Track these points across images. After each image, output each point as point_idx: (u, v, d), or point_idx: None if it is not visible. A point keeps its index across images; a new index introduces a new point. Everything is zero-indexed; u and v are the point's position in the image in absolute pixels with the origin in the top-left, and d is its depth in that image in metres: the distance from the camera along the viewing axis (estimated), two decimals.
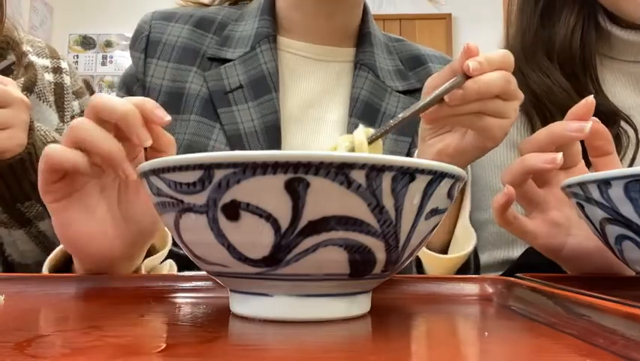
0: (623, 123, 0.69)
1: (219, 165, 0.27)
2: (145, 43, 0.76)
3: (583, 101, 0.47)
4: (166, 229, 0.51)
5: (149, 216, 0.46)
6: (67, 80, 0.84)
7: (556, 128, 0.47)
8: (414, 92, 0.76)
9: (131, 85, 0.75)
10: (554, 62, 0.73)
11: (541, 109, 0.72)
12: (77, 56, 4.65)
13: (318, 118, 0.74)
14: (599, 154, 0.47)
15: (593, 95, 0.47)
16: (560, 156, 0.44)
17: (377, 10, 0.71)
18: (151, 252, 0.53)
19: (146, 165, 0.31)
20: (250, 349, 0.27)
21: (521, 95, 0.51)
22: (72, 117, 0.83)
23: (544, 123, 0.70)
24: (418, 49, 0.84)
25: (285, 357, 0.26)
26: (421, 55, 0.82)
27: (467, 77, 0.47)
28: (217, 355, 0.26)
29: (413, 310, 0.40)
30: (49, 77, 0.83)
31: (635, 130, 0.69)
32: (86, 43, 4.65)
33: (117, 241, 0.45)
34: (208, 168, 0.28)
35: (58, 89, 0.83)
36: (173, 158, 0.29)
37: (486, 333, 0.32)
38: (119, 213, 0.46)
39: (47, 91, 0.81)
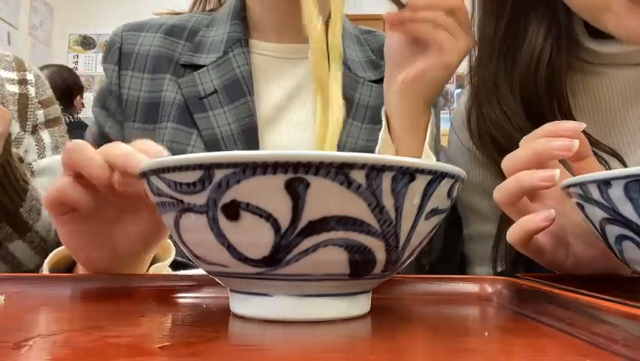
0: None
1: (219, 165, 0.27)
2: (118, 56, 0.76)
3: (575, 124, 0.45)
4: (169, 241, 0.52)
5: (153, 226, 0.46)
6: (32, 90, 0.86)
7: (540, 146, 0.44)
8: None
9: (104, 99, 0.76)
10: (516, 95, 0.63)
11: (502, 149, 0.62)
12: (77, 56, 4.65)
13: (293, 116, 0.75)
14: (578, 158, 0.46)
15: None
16: (557, 173, 0.42)
17: (375, 10, 0.70)
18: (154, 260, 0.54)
19: (146, 165, 0.31)
20: (250, 349, 0.27)
21: (470, 29, 0.59)
22: (34, 126, 0.85)
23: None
24: None
25: (285, 357, 0.26)
26: None
27: None
28: (217, 355, 0.26)
29: (413, 310, 0.40)
30: (14, 88, 0.85)
31: (621, 160, 0.61)
32: (86, 43, 4.66)
33: (117, 252, 0.46)
34: (208, 168, 0.28)
35: (23, 100, 0.85)
36: (174, 158, 0.29)
37: (486, 333, 0.32)
38: (120, 224, 0.46)
39: (9, 101, 0.82)
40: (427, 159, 0.61)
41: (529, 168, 0.44)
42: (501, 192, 0.46)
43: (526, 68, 0.63)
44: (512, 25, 0.65)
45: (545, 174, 0.42)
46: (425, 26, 0.58)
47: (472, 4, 0.69)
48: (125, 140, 0.73)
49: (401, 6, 0.59)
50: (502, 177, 0.47)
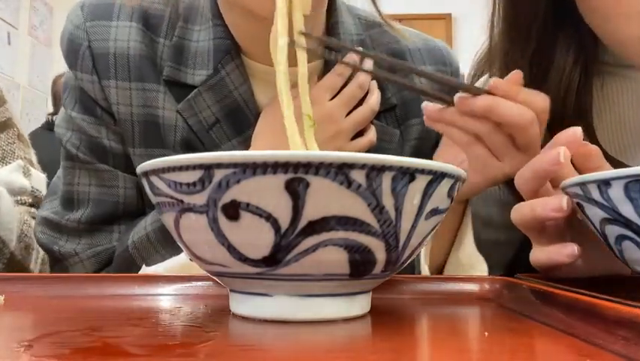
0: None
1: (219, 165, 0.27)
2: (90, 60, 0.60)
3: (575, 131, 0.43)
4: None
5: None
6: None
7: (536, 165, 0.43)
8: (390, 111, 0.66)
9: (88, 106, 0.62)
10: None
11: None
12: None
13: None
14: (592, 169, 0.44)
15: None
16: (565, 200, 0.40)
17: (389, 10, 0.63)
18: None
19: (146, 165, 0.31)
20: (250, 349, 0.27)
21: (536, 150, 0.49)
22: None
23: None
24: (398, 41, 0.69)
25: (285, 357, 0.26)
26: (403, 52, 0.68)
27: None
28: (217, 355, 0.26)
29: (413, 310, 0.40)
30: None
31: None
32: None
33: None
34: (208, 168, 0.28)
35: None
36: (173, 158, 0.29)
37: (486, 333, 0.32)
38: None
39: None
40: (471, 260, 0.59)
41: (535, 186, 0.44)
42: (517, 215, 0.45)
43: (555, 96, 0.58)
44: (539, 51, 0.61)
45: (555, 206, 0.41)
46: (460, 135, 0.50)
47: (491, 26, 0.64)
48: (128, 163, 0.62)
49: (447, 103, 0.49)
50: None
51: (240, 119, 0.62)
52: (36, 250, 0.73)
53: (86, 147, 0.63)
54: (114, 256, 0.62)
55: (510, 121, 0.48)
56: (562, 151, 0.41)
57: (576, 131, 0.43)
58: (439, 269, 0.62)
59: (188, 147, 0.61)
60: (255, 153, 0.27)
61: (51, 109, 2.79)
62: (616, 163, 0.56)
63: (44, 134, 2.38)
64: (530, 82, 0.60)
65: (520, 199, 0.46)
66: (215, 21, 0.62)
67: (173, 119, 0.61)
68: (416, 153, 0.67)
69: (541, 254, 0.44)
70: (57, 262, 0.64)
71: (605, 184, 0.34)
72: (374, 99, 0.62)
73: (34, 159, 0.84)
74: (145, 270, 0.58)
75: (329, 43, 0.53)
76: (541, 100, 0.49)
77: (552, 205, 0.41)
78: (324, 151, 0.29)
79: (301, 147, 0.40)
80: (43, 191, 0.79)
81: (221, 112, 0.61)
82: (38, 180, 0.79)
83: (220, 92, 0.61)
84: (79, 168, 0.64)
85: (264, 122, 0.61)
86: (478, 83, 0.71)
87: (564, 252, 0.42)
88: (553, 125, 0.59)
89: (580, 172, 0.44)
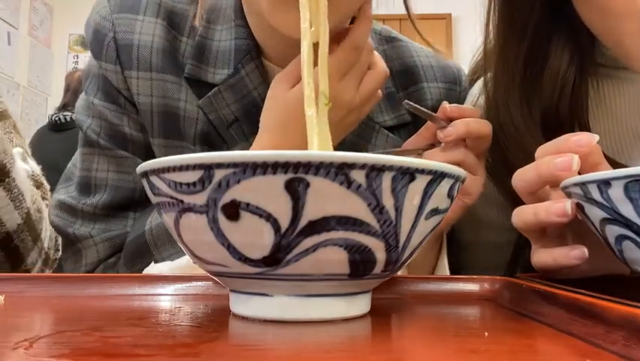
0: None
1: (219, 165, 0.27)
2: (115, 51, 0.62)
3: (587, 138, 0.42)
4: None
5: None
6: None
7: (543, 168, 0.43)
8: (404, 127, 0.67)
9: (112, 95, 0.63)
10: (536, 124, 0.60)
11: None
12: (77, 56, 4.65)
13: None
14: (591, 167, 0.44)
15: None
16: (568, 203, 0.40)
17: (375, 11, 0.63)
18: None
19: (146, 165, 0.31)
20: (250, 349, 0.27)
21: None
22: None
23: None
24: (412, 56, 0.71)
25: (285, 357, 0.26)
26: (416, 67, 0.70)
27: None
28: (217, 355, 0.26)
29: (413, 310, 0.40)
30: None
31: None
32: (86, 43, 4.66)
33: None
34: (208, 168, 0.28)
35: None
36: (173, 158, 0.29)
37: (486, 333, 0.32)
38: None
39: None
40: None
41: (535, 188, 0.44)
42: (518, 219, 0.45)
43: (549, 97, 0.60)
44: (534, 50, 0.61)
45: (559, 211, 0.41)
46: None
47: (487, 24, 0.64)
48: (149, 151, 0.63)
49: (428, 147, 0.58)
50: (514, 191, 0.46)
51: (257, 118, 0.61)
52: (46, 227, 0.75)
53: (107, 133, 0.64)
54: (127, 242, 0.62)
55: (481, 133, 0.56)
56: (576, 159, 0.41)
57: (593, 138, 0.43)
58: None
59: (208, 141, 0.63)
60: (255, 152, 0.27)
61: (51, 110, 2.76)
62: (612, 163, 0.56)
63: (49, 135, 2.36)
64: (525, 81, 0.61)
65: (515, 200, 0.46)
66: (238, 21, 0.63)
67: (195, 113, 0.62)
68: None
69: (545, 256, 0.44)
70: (71, 244, 0.64)
71: (605, 184, 0.34)
72: (381, 64, 0.59)
73: (29, 152, 0.87)
74: (149, 269, 0.59)
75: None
76: (478, 117, 0.58)
77: (556, 210, 0.41)
78: (324, 151, 0.29)
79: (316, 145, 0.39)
80: (41, 178, 0.83)
81: (240, 111, 0.63)
82: (34, 169, 0.84)
83: (239, 92, 0.62)
84: (98, 154, 0.65)
85: (268, 110, 0.59)
86: (475, 88, 0.72)
87: (572, 255, 0.42)
88: (549, 124, 0.60)
89: (579, 170, 0.44)
